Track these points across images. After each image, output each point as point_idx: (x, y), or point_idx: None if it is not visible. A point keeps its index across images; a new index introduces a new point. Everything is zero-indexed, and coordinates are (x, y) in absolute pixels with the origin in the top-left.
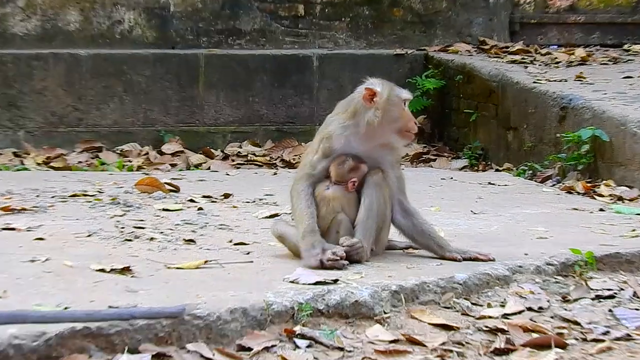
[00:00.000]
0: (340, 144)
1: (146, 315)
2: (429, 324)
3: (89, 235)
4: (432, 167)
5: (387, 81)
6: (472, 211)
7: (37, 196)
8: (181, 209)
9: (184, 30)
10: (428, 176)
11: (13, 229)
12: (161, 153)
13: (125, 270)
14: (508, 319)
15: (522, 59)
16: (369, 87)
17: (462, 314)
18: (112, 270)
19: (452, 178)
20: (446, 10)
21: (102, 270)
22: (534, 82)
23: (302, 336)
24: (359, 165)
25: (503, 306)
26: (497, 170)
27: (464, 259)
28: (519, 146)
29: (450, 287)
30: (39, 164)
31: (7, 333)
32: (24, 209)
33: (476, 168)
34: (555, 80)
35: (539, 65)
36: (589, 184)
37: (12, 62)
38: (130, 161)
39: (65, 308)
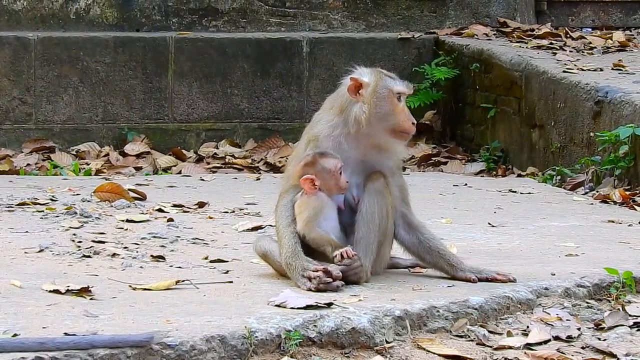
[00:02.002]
0: (328, 147)
1: (108, 344)
2: (439, 355)
3: (40, 251)
4: (442, 171)
5: (382, 70)
6: (489, 223)
7: None
8: (148, 220)
9: (151, 9)
10: (438, 182)
11: None
12: (124, 154)
13: (84, 291)
14: (531, 349)
15: (550, 44)
16: (354, 77)
17: (478, 344)
18: (68, 292)
19: (466, 184)
20: None
21: (57, 292)
22: (564, 72)
23: None
24: (317, 159)
25: (526, 335)
26: (519, 175)
27: (480, 280)
28: (546, 147)
29: (463, 313)
30: None
31: None
32: None
33: (495, 173)
34: (588, 70)
35: (570, 51)
36: (627, 192)
37: None
38: (87, 164)
39: (14, 335)
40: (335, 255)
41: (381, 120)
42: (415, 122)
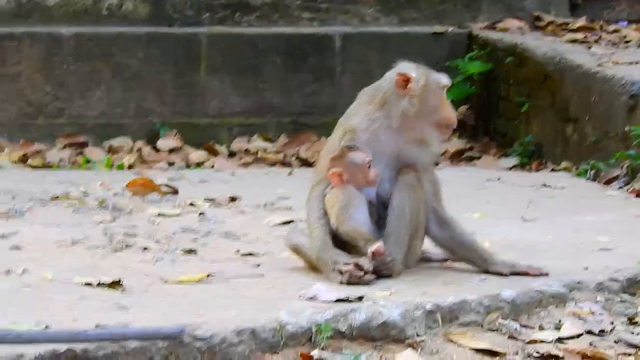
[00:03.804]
0: (365, 140)
1: (140, 336)
2: (471, 349)
3: (72, 244)
4: (475, 166)
5: (422, 65)
6: (522, 218)
7: (13, 198)
8: (180, 215)
9: (183, 4)
10: (471, 177)
11: None
12: (156, 149)
13: (115, 284)
14: (564, 343)
15: (585, 37)
16: (402, 72)
17: (510, 338)
18: (100, 285)
19: (499, 179)
20: None
21: (88, 284)
22: (599, 66)
23: None
24: (345, 153)
25: (558, 329)
26: (553, 169)
27: (512, 274)
28: (580, 141)
29: (495, 307)
30: (14, 162)
31: None
32: None
33: (528, 167)
34: (624, 63)
35: (605, 45)
36: None
37: None
38: (120, 159)
39: (46, 327)
40: (368, 252)
41: (429, 114)
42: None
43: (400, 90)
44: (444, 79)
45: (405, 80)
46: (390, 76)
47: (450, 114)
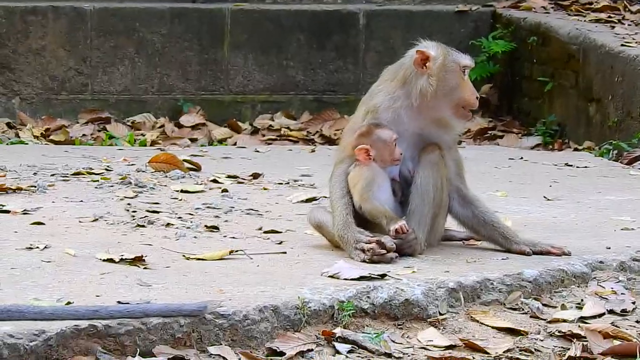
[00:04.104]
0: (387, 118)
1: (161, 313)
2: (492, 327)
3: (95, 220)
4: (498, 144)
5: (444, 44)
6: (545, 197)
7: (35, 174)
8: (202, 191)
9: None
10: (494, 155)
11: (7, 211)
12: (179, 125)
13: (137, 260)
14: (586, 323)
15: (609, 17)
16: (421, 50)
17: (532, 317)
18: (122, 261)
19: (522, 158)
20: None
21: (110, 261)
22: (622, 45)
23: (343, 339)
24: (372, 129)
25: (580, 308)
26: (575, 149)
27: (534, 253)
28: (603, 121)
29: (517, 285)
30: (36, 137)
31: (1, 331)
32: (20, 189)
33: (551, 147)
34: None
35: (629, 25)
36: None
37: (4, 17)
38: (143, 135)
39: (68, 303)
40: (391, 230)
41: (447, 95)
42: (479, 96)
43: (418, 69)
44: (465, 60)
45: (424, 59)
46: (410, 54)
47: (470, 96)
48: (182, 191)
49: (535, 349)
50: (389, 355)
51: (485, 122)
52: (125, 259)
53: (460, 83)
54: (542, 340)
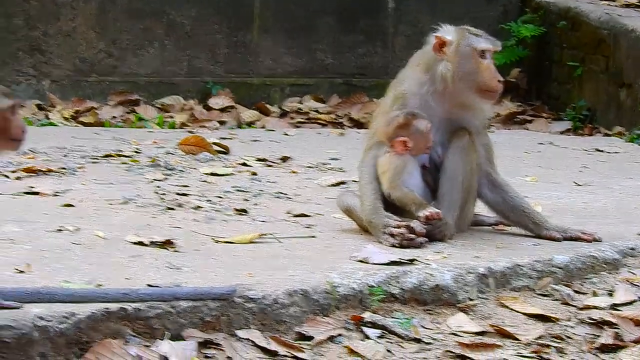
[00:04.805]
0: (415, 104)
1: (191, 297)
2: (523, 314)
3: (124, 202)
4: (527, 129)
5: (467, 28)
6: (575, 182)
7: (65, 156)
8: (231, 174)
9: None
10: (523, 140)
11: (37, 193)
12: (208, 108)
13: (167, 243)
14: (617, 310)
15: (639, 2)
16: (438, 35)
17: (562, 303)
18: (152, 244)
19: (551, 143)
20: None
21: (140, 243)
22: None
23: (373, 324)
24: (411, 121)
25: (611, 295)
26: (606, 134)
27: (565, 239)
28: (633, 106)
29: (548, 271)
30: (66, 119)
31: (31, 313)
32: (50, 171)
33: (581, 132)
34: None
35: None
36: None
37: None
38: (172, 117)
39: (98, 286)
40: (420, 216)
41: (465, 79)
42: (502, 79)
43: (437, 54)
44: (482, 43)
45: (442, 44)
46: (431, 39)
47: (490, 79)
48: (211, 174)
49: (566, 336)
50: (419, 340)
51: (515, 106)
52: (155, 241)
53: (479, 67)
54: (572, 327)
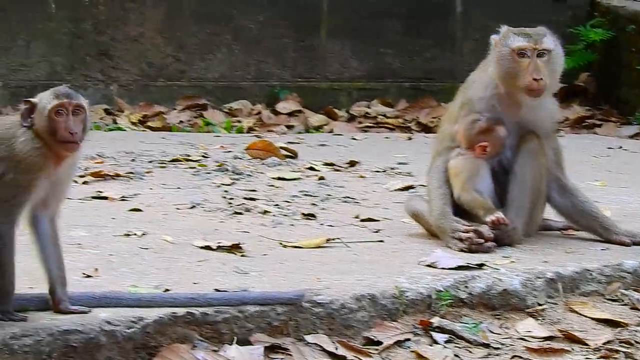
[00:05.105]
0: (481, 108)
1: (259, 301)
2: (592, 318)
3: (192, 207)
4: (596, 134)
5: (512, 29)
6: None
7: (132, 160)
8: (299, 178)
9: None
10: (592, 145)
11: (105, 197)
12: (276, 112)
13: (234, 248)
14: None
15: None
16: (493, 37)
17: (632, 308)
18: (219, 248)
19: (621, 147)
20: None
21: (208, 248)
22: None
23: (441, 329)
24: (493, 127)
25: None
26: None
27: (634, 244)
28: None
29: (617, 276)
30: (134, 123)
31: (99, 318)
32: (118, 175)
33: None
34: None
35: None
36: None
37: (103, 4)
38: (239, 121)
39: (166, 290)
40: (488, 221)
41: (507, 78)
42: (539, 77)
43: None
44: (516, 42)
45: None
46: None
47: (524, 78)
48: (278, 178)
49: (635, 342)
50: (487, 345)
51: (583, 110)
52: (223, 246)
53: (516, 66)
54: None
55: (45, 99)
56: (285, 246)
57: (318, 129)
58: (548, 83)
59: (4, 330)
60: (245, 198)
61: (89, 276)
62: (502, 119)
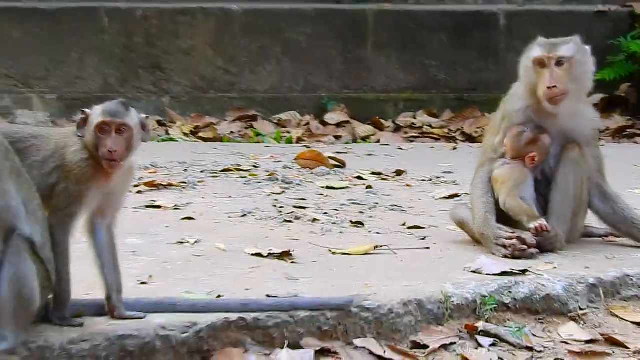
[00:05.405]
0: (520, 119)
1: (309, 307)
2: (632, 322)
3: (243, 215)
4: (637, 143)
5: (541, 39)
6: None
7: (185, 170)
8: (347, 187)
9: None
10: (632, 154)
11: (159, 206)
12: (324, 123)
13: (285, 255)
14: None
15: None
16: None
17: None
18: (270, 255)
19: None
20: None
21: (259, 255)
22: None
23: (485, 333)
24: (539, 136)
25: None
26: None
27: None
28: None
29: None
30: (185, 134)
31: (154, 323)
32: (171, 185)
33: None
34: None
35: None
36: None
37: (155, 18)
38: (288, 132)
39: (218, 296)
40: (531, 228)
41: (531, 88)
42: (552, 85)
43: None
44: (534, 52)
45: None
46: None
47: (540, 88)
48: (327, 187)
49: None
50: (531, 349)
51: (624, 120)
52: (273, 253)
53: (536, 76)
54: None
55: (94, 114)
56: (334, 253)
57: (365, 139)
58: (568, 89)
59: (62, 335)
60: (295, 206)
61: (144, 283)
62: (546, 128)
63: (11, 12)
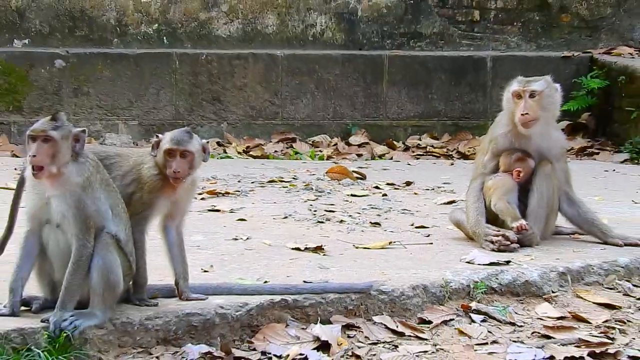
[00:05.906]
0: (505, 144)
1: (337, 290)
2: (593, 303)
3: (285, 217)
4: (595, 160)
5: (520, 77)
6: (633, 201)
7: (239, 181)
8: (367, 195)
9: (370, 33)
10: (592, 168)
11: (218, 210)
12: (348, 144)
13: (318, 249)
14: None
15: None
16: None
17: (624, 295)
18: (306, 249)
19: (614, 170)
20: (610, 16)
21: (297, 249)
22: None
23: (477, 311)
24: (526, 157)
25: None
26: None
27: (626, 245)
28: None
29: (613, 270)
30: (239, 153)
31: (214, 303)
32: (228, 193)
33: (637, 161)
34: None
35: None
36: None
37: (216, 61)
38: (321, 151)
39: (265, 282)
40: (513, 227)
41: (510, 116)
42: (524, 112)
43: None
44: (513, 86)
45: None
46: None
47: (516, 115)
48: (351, 195)
49: (627, 320)
50: (513, 324)
51: (585, 142)
52: (309, 247)
53: (513, 105)
54: (632, 313)
55: (164, 140)
56: (357, 247)
57: (381, 156)
58: (538, 115)
59: (140, 313)
60: (326, 210)
61: (206, 271)
62: (529, 152)
63: (104, 56)
